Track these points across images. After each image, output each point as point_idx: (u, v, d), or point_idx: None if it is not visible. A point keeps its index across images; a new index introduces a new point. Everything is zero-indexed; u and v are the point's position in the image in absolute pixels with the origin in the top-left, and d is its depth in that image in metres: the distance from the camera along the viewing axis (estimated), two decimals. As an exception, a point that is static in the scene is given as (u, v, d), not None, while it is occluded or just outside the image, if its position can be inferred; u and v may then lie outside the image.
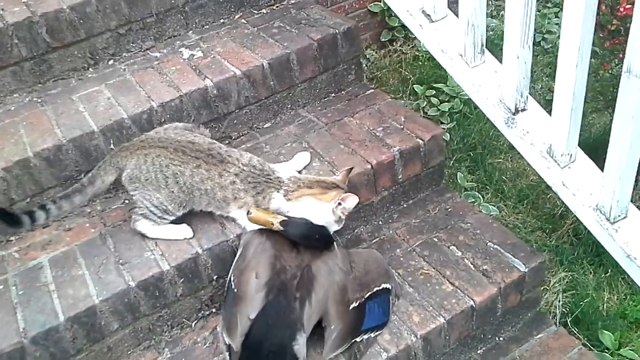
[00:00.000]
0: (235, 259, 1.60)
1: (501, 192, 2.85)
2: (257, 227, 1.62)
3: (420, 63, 3.29)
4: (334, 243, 1.64)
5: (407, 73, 3.40)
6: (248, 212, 1.58)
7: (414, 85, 3.28)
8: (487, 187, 2.87)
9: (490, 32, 3.26)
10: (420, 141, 1.90)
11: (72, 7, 1.98)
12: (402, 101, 3.18)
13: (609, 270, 2.34)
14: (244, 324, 1.42)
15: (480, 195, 2.75)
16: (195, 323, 1.73)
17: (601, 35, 2.53)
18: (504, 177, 2.87)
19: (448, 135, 3.02)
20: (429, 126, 1.95)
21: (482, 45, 1.71)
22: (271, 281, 1.47)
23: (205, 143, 1.70)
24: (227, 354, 1.51)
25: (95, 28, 2.05)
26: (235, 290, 1.49)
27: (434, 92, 3.19)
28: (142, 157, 1.66)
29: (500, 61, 1.64)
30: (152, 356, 1.66)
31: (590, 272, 2.50)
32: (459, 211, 1.94)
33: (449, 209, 1.95)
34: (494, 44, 2.36)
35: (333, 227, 1.66)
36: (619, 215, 1.49)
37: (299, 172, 1.81)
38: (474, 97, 1.74)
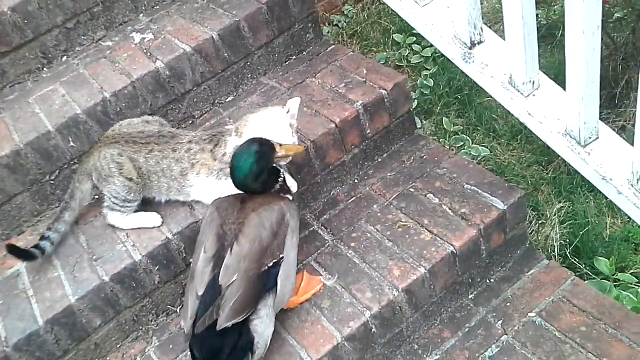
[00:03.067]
0: None
1: (493, 131, 2.77)
2: (214, 194, 1.58)
3: (398, 11, 3.18)
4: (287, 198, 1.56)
5: (387, 24, 3.31)
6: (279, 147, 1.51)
7: (394, 35, 3.19)
8: (479, 128, 2.80)
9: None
10: (384, 92, 1.83)
11: (13, 8, 1.93)
12: (385, 53, 3.10)
13: (611, 194, 2.25)
14: (194, 304, 1.37)
15: (468, 138, 2.69)
16: (181, 308, 1.72)
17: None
18: (494, 116, 2.79)
19: (432, 81, 2.94)
20: (391, 75, 1.87)
21: (430, -19, 1.62)
22: (217, 252, 1.42)
23: (156, 129, 1.71)
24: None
25: (42, 26, 2.00)
26: (191, 270, 1.46)
27: (415, 39, 3.10)
28: (97, 155, 1.69)
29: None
30: (141, 346, 1.66)
31: (591, 200, 2.42)
32: (434, 157, 1.87)
33: (424, 157, 1.89)
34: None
35: (289, 140, 1.58)
36: (589, 138, 1.41)
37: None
38: (429, 37, 1.66)
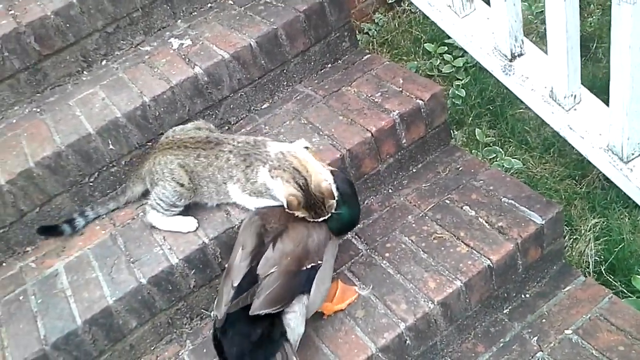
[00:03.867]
0: None
1: (525, 143, 2.74)
2: (251, 204, 1.61)
3: (431, 20, 3.19)
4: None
5: (418, 32, 3.30)
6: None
7: (426, 44, 3.17)
8: (511, 139, 2.77)
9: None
10: (420, 102, 1.83)
11: (56, 12, 1.97)
12: (416, 62, 3.09)
13: (647, 211, 2.22)
14: (229, 293, 1.39)
15: (500, 150, 2.66)
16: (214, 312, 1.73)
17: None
18: (527, 128, 2.76)
19: (463, 91, 2.92)
20: (428, 85, 1.87)
21: (471, -8, 1.62)
22: (256, 248, 1.44)
23: (205, 134, 1.75)
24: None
25: (82, 30, 2.04)
26: (227, 268, 1.47)
27: (447, 48, 3.09)
28: (152, 161, 1.75)
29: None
30: (175, 349, 1.68)
31: (626, 216, 2.38)
32: (470, 169, 1.86)
33: (460, 168, 1.88)
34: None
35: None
36: (632, 154, 1.39)
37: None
38: (469, 49, 1.65)
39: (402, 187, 1.88)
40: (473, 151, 2.60)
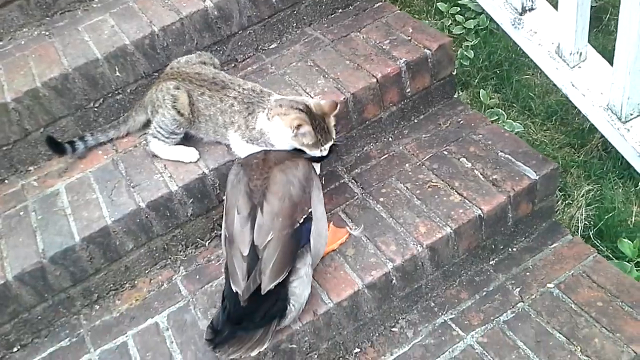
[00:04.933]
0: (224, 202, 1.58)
1: (528, 109, 2.75)
2: (245, 152, 1.64)
3: (446, -22, 3.15)
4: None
5: (431, -10, 3.26)
6: None
7: (438, 3, 3.15)
8: (514, 104, 2.78)
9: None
10: (428, 51, 1.83)
11: None
12: (427, 21, 3.07)
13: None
14: (241, 265, 1.39)
15: (503, 112, 2.67)
16: (209, 242, 1.78)
17: None
18: (531, 94, 2.77)
19: (472, 52, 2.91)
20: (437, 36, 1.87)
21: (489, -59, 1.61)
22: (251, 211, 1.45)
23: (211, 73, 1.75)
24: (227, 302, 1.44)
25: (95, -44, 2.03)
26: (227, 234, 1.47)
27: (459, 9, 3.06)
28: (155, 88, 1.77)
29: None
30: (169, 274, 1.73)
31: (620, 186, 2.42)
32: (471, 123, 1.88)
33: (461, 122, 1.90)
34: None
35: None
36: (631, 114, 1.42)
37: None
38: (481, 1, 1.65)
39: (402, 137, 1.91)
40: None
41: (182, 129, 1.72)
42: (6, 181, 1.84)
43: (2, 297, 1.56)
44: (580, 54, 1.48)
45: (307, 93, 1.81)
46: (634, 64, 1.32)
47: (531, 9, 1.57)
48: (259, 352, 1.39)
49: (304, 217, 1.46)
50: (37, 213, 1.71)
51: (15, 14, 2.02)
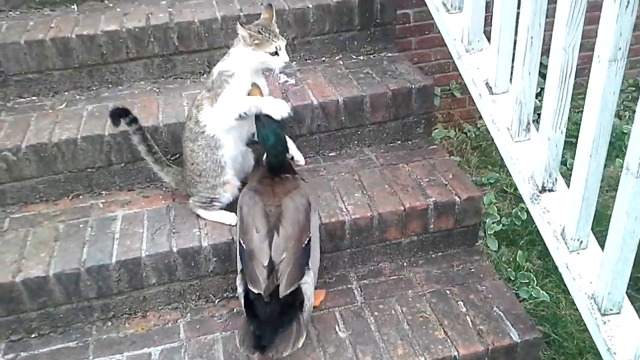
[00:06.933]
0: (238, 222, 1.85)
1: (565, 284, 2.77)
2: (217, 121, 1.91)
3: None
4: (302, 179, 1.92)
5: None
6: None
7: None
8: (553, 276, 2.83)
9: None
10: (457, 198, 2.04)
11: (202, 21, 2.41)
12: (497, 175, 3.23)
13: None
14: (262, 272, 1.67)
15: (534, 278, 2.73)
16: (218, 301, 2.00)
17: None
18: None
19: (526, 214, 2.98)
20: (470, 188, 2.08)
21: (529, 123, 1.83)
22: (269, 231, 1.73)
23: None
24: (242, 300, 1.73)
25: (216, 42, 2.46)
26: (246, 247, 1.73)
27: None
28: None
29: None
30: (176, 316, 1.96)
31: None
32: (480, 274, 2.03)
33: (472, 270, 2.05)
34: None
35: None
36: (610, 310, 1.52)
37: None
38: (511, 170, 1.85)
39: (416, 265, 2.09)
40: (509, 270, 2.71)
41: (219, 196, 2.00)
42: (81, 196, 2.19)
43: (40, 287, 1.85)
44: (581, 241, 1.62)
45: (343, 201, 2.05)
46: (615, 264, 1.45)
47: (551, 190, 1.74)
48: (303, 342, 1.66)
49: (307, 239, 1.76)
50: (92, 229, 2.02)
51: (139, 68, 2.46)
